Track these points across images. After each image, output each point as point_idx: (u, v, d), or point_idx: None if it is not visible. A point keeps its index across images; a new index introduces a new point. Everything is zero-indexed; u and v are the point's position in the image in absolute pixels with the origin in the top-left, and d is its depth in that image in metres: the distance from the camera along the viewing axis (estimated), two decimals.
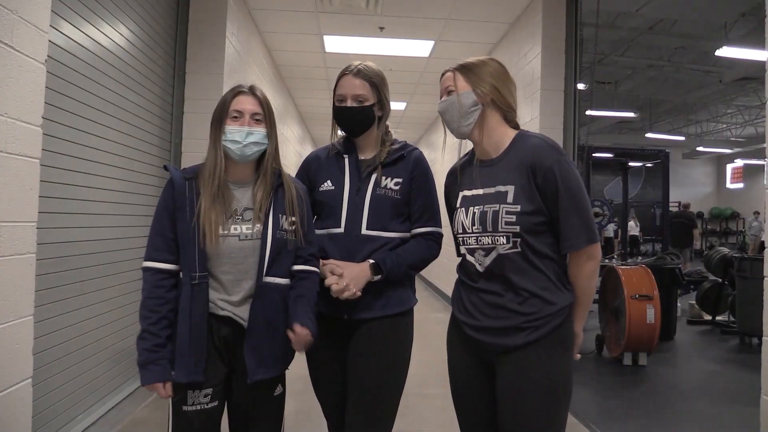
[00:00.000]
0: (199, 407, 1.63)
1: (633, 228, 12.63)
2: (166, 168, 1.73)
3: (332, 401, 1.91)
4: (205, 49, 4.20)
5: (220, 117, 1.69)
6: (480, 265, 1.62)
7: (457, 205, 1.70)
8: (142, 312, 1.63)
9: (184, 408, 1.63)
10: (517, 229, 1.55)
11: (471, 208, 1.64)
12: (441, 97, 1.70)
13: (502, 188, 1.59)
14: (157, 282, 1.63)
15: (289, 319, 1.68)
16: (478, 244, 1.62)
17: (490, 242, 1.59)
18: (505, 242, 1.57)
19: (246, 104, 1.68)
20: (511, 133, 1.66)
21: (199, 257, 1.61)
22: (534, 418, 1.54)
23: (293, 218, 1.72)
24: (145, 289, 1.65)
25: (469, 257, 1.65)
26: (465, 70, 1.66)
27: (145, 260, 1.67)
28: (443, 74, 1.72)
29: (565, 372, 1.58)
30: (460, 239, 1.68)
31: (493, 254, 1.59)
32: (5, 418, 1.80)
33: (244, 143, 1.66)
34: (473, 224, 1.62)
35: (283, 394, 1.77)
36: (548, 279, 1.58)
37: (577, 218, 1.56)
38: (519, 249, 1.57)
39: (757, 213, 17.22)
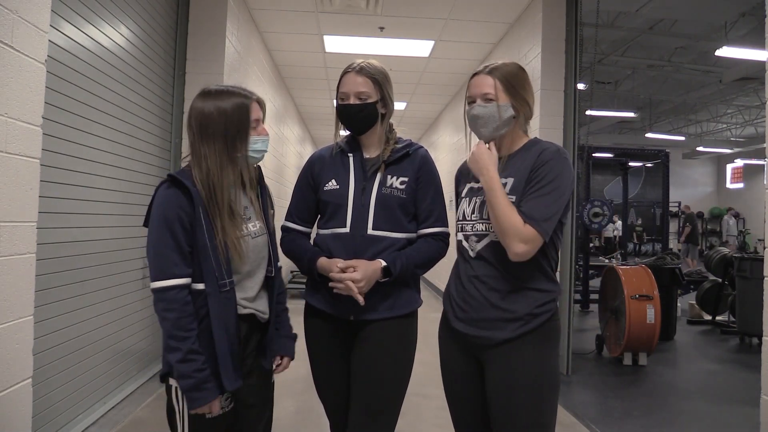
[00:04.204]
0: (221, 411, 1.60)
1: (615, 229, 12.52)
2: (172, 177, 1.60)
3: (335, 401, 1.90)
4: (205, 49, 4.20)
5: (240, 128, 1.62)
6: (472, 250, 1.69)
7: (463, 195, 1.79)
8: (177, 334, 1.52)
9: (208, 414, 1.58)
10: None
11: (474, 198, 1.72)
12: (474, 100, 1.69)
13: (502, 180, 1.65)
14: (185, 299, 1.56)
15: (273, 343, 1.75)
16: (473, 231, 1.69)
17: (484, 229, 1.67)
18: None
19: (259, 112, 1.69)
20: (524, 138, 1.73)
21: (225, 264, 1.59)
22: (524, 412, 1.60)
23: (272, 211, 1.78)
24: (175, 309, 1.53)
25: (464, 243, 1.72)
26: (505, 80, 1.67)
27: (165, 279, 1.54)
28: (476, 74, 1.71)
29: (552, 366, 1.65)
30: (459, 226, 1.75)
31: (485, 240, 1.67)
32: (5, 418, 1.80)
33: (267, 149, 1.69)
34: (473, 212, 1.70)
35: (273, 382, 1.80)
36: (537, 269, 1.64)
37: (542, 199, 1.58)
38: None
39: (731, 209, 17.92)
